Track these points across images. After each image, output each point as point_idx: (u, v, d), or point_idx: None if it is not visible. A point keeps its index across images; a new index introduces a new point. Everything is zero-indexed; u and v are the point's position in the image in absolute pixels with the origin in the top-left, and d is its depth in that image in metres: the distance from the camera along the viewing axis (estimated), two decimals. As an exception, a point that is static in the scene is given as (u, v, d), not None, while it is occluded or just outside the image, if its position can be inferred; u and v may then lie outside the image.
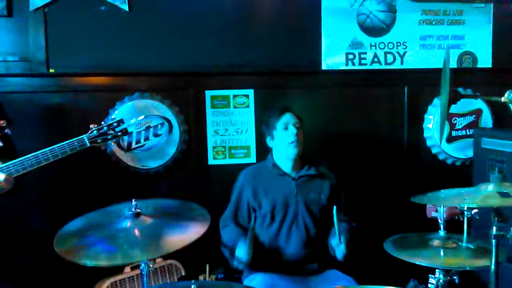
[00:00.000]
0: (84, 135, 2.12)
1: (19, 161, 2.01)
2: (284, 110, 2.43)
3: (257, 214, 2.37)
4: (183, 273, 2.63)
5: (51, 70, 2.71)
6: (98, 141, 2.16)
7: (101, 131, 2.16)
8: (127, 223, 1.73)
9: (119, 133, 2.20)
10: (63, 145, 2.08)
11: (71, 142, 2.09)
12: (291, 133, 2.34)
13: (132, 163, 2.77)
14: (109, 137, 2.18)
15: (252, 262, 2.22)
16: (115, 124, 2.20)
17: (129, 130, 2.71)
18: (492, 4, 3.12)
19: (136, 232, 1.72)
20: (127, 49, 2.77)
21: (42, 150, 2.05)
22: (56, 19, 2.69)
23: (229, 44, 2.89)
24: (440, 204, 1.86)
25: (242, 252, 2.21)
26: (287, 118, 2.39)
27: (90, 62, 2.74)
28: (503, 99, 1.83)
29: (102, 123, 2.19)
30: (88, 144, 2.13)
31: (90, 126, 2.16)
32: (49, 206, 2.71)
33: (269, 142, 2.45)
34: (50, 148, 2.06)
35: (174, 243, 1.68)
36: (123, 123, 2.21)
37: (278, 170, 2.40)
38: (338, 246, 2.19)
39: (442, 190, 1.85)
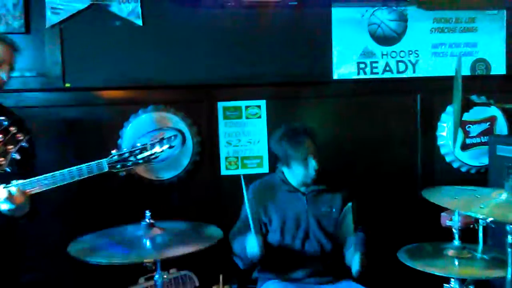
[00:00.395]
0: (104, 159, 2.04)
1: (36, 179, 1.95)
2: (303, 137, 2.27)
3: (268, 229, 2.35)
4: (197, 284, 2.63)
5: (67, 85, 2.76)
6: (118, 166, 2.03)
7: (122, 157, 2.04)
8: (140, 232, 1.77)
9: (140, 161, 2.06)
10: (81, 167, 2.01)
11: (89, 165, 2.02)
12: (312, 167, 2.25)
13: (146, 174, 2.81)
14: (129, 164, 2.05)
15: (264, 270, 2.21)
16: (137, 151, 2.06)
17: (143, 142, 2.75)
18: (505, 11, 3.09)
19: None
20: (141, 63, 2.82)
21: (60, 171, 1.99)
22: (71, 35, 2.75)
23: (240, 55, 2.91)
24: (452, 207, 1.81)
25: (253, 244, 2.13)
26: (307, 149, 2.25)
27: (105, 76, 2.79)
28: (517, 106, 1.82)
29: (124, 149, 2.08)
30: (107, 169, 2.02)
31: (112, 151, 2.05)
32: (62, 220, 2.73)
33: (282, 166, 2.36)
34: (68, 169, 2.00)
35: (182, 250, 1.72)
36: (146, 150, 2.07)
37: (288, 186, 2.36)
38: (352, 261, 2.16)
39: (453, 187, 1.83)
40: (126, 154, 2.06)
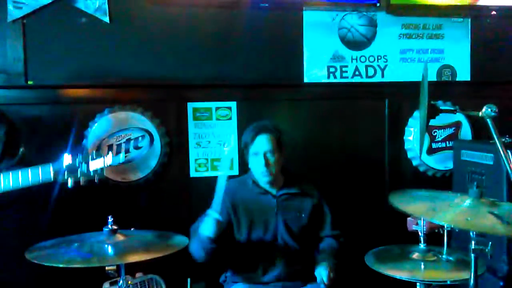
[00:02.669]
0: (50, 164, 1.83)
1: None
2: (258, 131, 2.27)
3: (234, 228, 2.32)
4: (164, 288, 2.58)
5: (30, 82, 2.67)
6: (65, 175, 1.83)
7: (71, 166, 1.82)
8: (102, 238, 1.71)
9: (91, 172, 1.84)
10: (26, 174, 1.80)
11: (35, 171, 1.80)
12: (261, 164, 2.24)
13: (111, 176, 2.72)
14: (78, 174, 1.82)
15: (233, 274, 2.18)
16: (89, 160, 1.83)
17: (109, 143, 2.68)
18: (469, 19, 3.18)
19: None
20: (107, 61, 2.75)
21: (4, 173, 1.81)
22: (35, 31, 2.65)
23: (211, 56, 2.88)
24: (413, 211, 1.84)
25: (209, 224, 2.06)
26: (260, 144, 2.25)
27: (69, 74, 2.70)
28: (480, 113, 1.85)
29: (79, 154, 1.87)
30: (52, 178, 1.82)
31: (64, 156, 1.84)
32: (22, 222, 2.62)
33: (246, 160, 2.37)
34: (13, 171, 1.80)
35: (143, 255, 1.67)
36: (100, 156, 1.88)
37: (259, 188, 2.34)
38: (320, 272, 2.15)
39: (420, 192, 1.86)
40: (77, 164, 1.84)
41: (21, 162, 1.96)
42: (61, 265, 1.57)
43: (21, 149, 1.98)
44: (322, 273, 2.14)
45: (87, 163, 1.85)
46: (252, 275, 2.28)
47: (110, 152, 1.92)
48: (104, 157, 1.84)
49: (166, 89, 2.86)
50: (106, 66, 2.75)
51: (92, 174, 1.85)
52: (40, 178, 1.80)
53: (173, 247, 1.80)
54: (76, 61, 2.71)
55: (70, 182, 1.84)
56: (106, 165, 1.84)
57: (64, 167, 1.82)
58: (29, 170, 1.81)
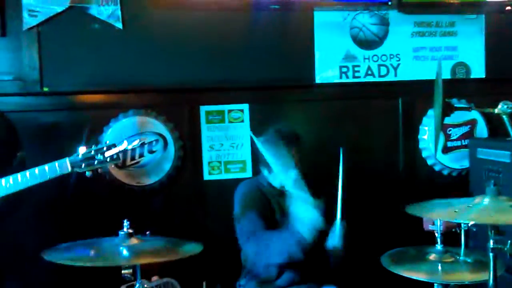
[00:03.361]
0: (66, 158, 1.89)
1: None
2: (288, 142, 2.23)
3: None
4: (180, 291, 2.59)
5: (45, 89, 2.70)
6: (82, 166, 1.89)
7: (87, 156, 1.90)
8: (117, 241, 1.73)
9: (107, 159, 1.91)
10: (42, 167, 1.87)
11: (52, 165, 1.87)
12: (291, 177, 2.18)
13: (127, 180, 2.75)
14: (95, 162, 1.90)
15: (247, 281, 2.18)
16: (105, 148, 1.92)
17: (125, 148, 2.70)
18: (483, 15, 3.14)
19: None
20: (121, 67, 2.77)
21: (22, 172, 1.87)
22: (49, 38, 2.69)
23: (223, 59, 2.89)
24: (435, 217, 1.85)
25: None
26: (290, 157, 2.21)
27: (84, 80, 2.73)
28: (496, 110, 1.83)
29: (93, 146, 1.95)
30: (69, 169, 1.88)
31: (79, 148, 1.92)
32: (40, 227, 2.64)
33: (264, 171, 2.32)
34: (30, 170, 1.87)
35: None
36: (115, 146, 1.94)
37: (275, 189, 2.33)
38: (333, 231, 2.14)
39: (436, 200, 1.84)
40: (92, 152, 1.91)
41: (22, 166, 1.99)
42: (76, 264, 1.59)
43: (19, 154, 2.01)
44: (335, 232, 2.12)
45: (103, 153, 1.92)
46: (268, 278, 2.26)
47: (124, 140, 1.98)
48: (119, 145, 1.94)
49: (179, 94, 2.88)
50: (120, 71, 2.77)
51: (109, 160, 1.92)
52: (58, 171, 1.87)
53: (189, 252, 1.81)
54: (90, 67, 2.74)
55: (88, 172, 1.91)
56: (121, 150, 1.93)
57: (81, 156, 1.89)
58: (46, 165, 1.87)
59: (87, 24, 2.72)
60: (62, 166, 1.88)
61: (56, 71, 2.71)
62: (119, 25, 2.74)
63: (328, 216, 2.30)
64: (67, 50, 2.72)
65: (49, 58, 2.70)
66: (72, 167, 1.89)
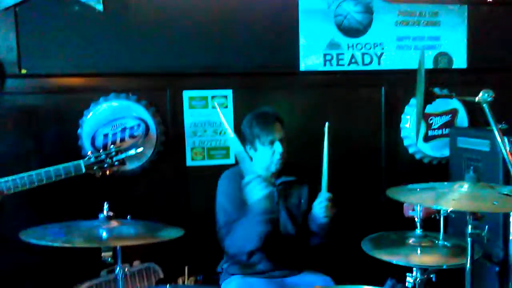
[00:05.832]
0: (81, 160, 2.14)
1: (12, 179, 2.01)
2: (272, 120, 2.26)
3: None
4: (162, 276, 2.59)
5: (23, 71, 2.64)
6: (94, 168, 2.18)
7: (98, 159, 2.20)
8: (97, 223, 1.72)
9: (115, 163, 2.23)
10: (58, 168, 2.09)
11: (66, 166, 2.11)
12: (278, 151, 2.22)
13: (108, 165, 2.72)
14: (106, 165, 2.21)
15: (229, 265, 2.18)
16: (113, 153, 2.25)
17: (104, 132, 2.68)
18: (466, 6, 3.16)
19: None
20: (102, 50, 2.72)
21: (36, 171, 2.05)
22: (27, 19, 2.62)
23: (207, 44, 2.86)
24: (416, 202, 1.87)
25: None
26: (275, 132, 2.23)
27: (63, 63, 2.68)
28: (477, 99, 1.85)
29: (101, 150, 2.25)
30: (84, 171, 2.15)
31: (88, 153, 2.21)
32: (19, 211, 2.60)
33: (249, 150, 2.31)
34: (45, 169, 2.06)
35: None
36: (121, 152, 2.26)
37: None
38: (319, 207, 2.18)
39: (417, 185, 1.87)
40: (103, 156, 2.23)
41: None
42: (54, 244, 1.61)
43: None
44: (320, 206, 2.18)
45: (112, 157, 2.25)
46: (248, 263, 2.27)
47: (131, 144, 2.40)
48: (123, 149, 2.31)
49: (161, 78, 2.84)
50: (101, 54, 2.72)
51: (116, 164, 2.26)
52: (73, 172, 2.14)
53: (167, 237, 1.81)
54: (70, 49, 2.69)
55: (97, 173, 2.23)
56: (127, 155, 2.28)
57: (93, 159, 2.19)
58: (60, 166, 2.13)
59: (67, 5, 2.66)
60: (77, 168, 2.15)
61: (34, 53, 2.65)
62: (100, 7, 2.68)
63: (312, 198, 2.32)
64: (45, 31, 2.66)
65: (27, 40, 2.63)
66: (87, 169, 2.17)
